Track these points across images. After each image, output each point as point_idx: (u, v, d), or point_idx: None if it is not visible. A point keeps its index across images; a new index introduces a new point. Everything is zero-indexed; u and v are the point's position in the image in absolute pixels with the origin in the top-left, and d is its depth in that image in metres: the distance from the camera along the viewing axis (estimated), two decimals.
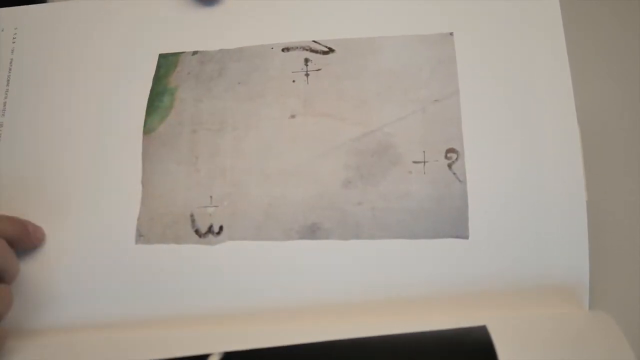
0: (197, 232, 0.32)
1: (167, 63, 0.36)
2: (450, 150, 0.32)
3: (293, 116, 0.34)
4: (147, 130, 0.35)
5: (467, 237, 0.31)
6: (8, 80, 0.37)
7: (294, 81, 0.35)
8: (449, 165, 0.32)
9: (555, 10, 0.34)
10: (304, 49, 0.35)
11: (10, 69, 0.37)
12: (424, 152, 0.32)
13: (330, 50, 0.35)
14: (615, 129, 0.35)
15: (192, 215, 0.33)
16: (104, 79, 0.36)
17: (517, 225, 0.31)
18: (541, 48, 0.34)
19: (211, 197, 0.33)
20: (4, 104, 0.36)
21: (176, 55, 0.36)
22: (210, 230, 0.32)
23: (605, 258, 0.32)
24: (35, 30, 0.38)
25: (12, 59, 0.37)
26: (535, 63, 0.33)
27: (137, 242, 0.32)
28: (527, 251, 0.31)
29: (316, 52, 0.35)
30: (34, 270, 0.32)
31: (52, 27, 0.38)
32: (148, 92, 0.36)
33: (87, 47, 0.37)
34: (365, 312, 0.31)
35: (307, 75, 0.35)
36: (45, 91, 0.37)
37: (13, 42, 0.38)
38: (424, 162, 0.32)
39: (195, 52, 0.36)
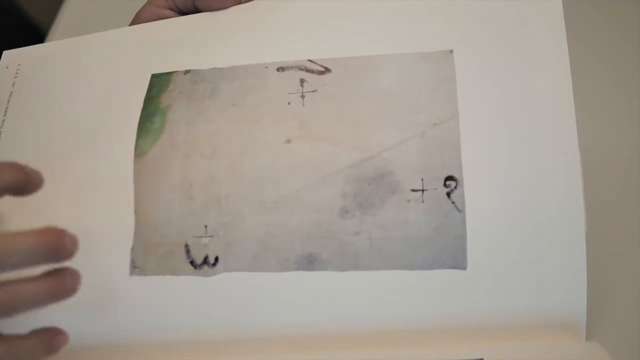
0: (192, 263, 0.32)
1: (159, 83, 0.35)
2: (449, 178, 0.32)
3: (289, 141, 0.33)
4: (139, 153, 0.34)
5: (465, 268, 0.31)
6: (6, 111, 0.37)
7: (289, 103, 0.34)
8: (448, 194, 0.32)
9: (560, 27, 0.33)
10: (300, 68, 0.34)
11: (9, 101, 0.38)
12: (422, 179, 0.32)
13: (327, 70, 0.34)
14: (617, 159, 0.34)
15: (187, 246, 0.32)
16: (96, 104, 0.36)
17: (515, 256, 0.31)
18: (544, 68, 0.33)
19: (206, 226, 0.32)
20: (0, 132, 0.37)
21: (169, 74, 0.35)
22: (205, 261, 0.32)
23: (604, 289, 0.32)
24: (36, 65, 0.39)
25: (12, 92, 0.38)
26: (538, 85, 0.32)
27: (131, 273, 0.32)
28: (526, 283, 0.30)
29: (312, 72, 0.34)
30: None
31: (51, 60, 0.39)
32: (139, 114, 0.35)
33: (81, 75, 0.37)
34: (363, 344, 0.31)
35: (302, 97, 0.34)
36: (38, 120, 0.36)
37: (15, 77, 0.38)
38: (423, 190, 0.32)
39: (187, 71, 0.35)
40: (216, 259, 0.32)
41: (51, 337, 0.30)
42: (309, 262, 0.31)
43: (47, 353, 0.30)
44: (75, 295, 0.29)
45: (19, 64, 0.39)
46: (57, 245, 0.28)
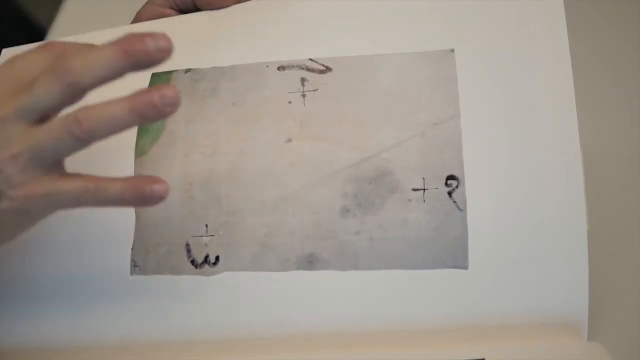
0: (193, 262, 0.32)
1: (159, 81, 0.35)
2: (451, 177, 0.32)
3: (289, 140, 0.33)
4: (139, 152, 0.34)
5: (466, 268, 0.31)
6: None
7: (290, 102, 0.34)
8: (449, 193, 0.31)
9: (561, 27, 0.33)
10: (300, 67, 0.34)
11: None
12: (423, 179, 0.32)
13: (327, 69, 0.34)
14: (618, 159, 0.34)
15: (187, 245, 0.32)
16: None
17: (517, 256, 0.31)
18: (546, 68, 0.32)
19: (206, 226, 0.32)
20: None
21: (169, 73, 0.35)
22: (206, 260, 0.32)
23: (605, 289, 0.32)
24: None
25: None
26: (539, 84, 0.32)
27: (132, 273, 0.32)
28: (527, 283, 0.30)
29: (313, 71, 0.34)
30: (28, 304, 0.32)
31: None
32: None
33: None
34: (363, 343, 0.31)
35: (303, 96, 0.34)
36: None
37: None
38: (424, 189, 0.32)
39: (187, 70, 0.35)
40: (217, 258, 0.32)
41: (144, 184, 0.27)
42: (309, 262, 0.31)
43: (138, 201, 0.27)
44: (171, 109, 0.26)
45: None
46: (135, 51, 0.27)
